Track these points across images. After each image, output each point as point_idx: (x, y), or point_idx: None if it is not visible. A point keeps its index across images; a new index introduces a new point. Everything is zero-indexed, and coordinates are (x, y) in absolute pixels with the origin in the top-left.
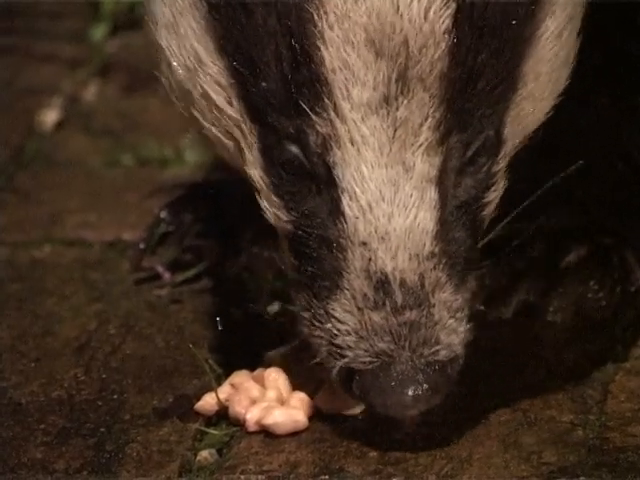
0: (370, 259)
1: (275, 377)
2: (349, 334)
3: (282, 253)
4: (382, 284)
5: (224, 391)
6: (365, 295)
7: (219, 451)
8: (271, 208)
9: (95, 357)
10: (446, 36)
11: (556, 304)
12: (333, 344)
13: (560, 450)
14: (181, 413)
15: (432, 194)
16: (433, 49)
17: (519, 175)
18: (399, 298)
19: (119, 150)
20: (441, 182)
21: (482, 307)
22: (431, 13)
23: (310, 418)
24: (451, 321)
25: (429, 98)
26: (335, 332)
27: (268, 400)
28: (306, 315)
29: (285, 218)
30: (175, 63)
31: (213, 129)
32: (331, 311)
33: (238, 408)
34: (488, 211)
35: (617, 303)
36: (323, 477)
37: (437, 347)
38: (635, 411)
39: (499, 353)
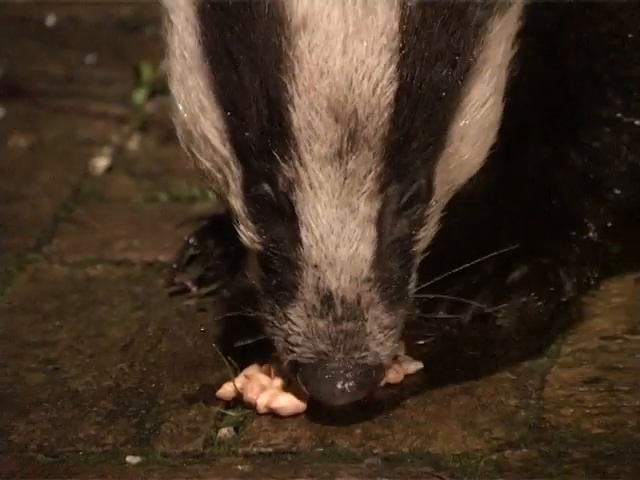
0: (319, 278)
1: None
2: (299, 335)
3: (252, 268)
4: (327, 299)
5: (239, 381)
6: (314, 306)
7: (236, 429)
8: (247, 232)
9: (137, 354)
10: (388, 108)
11: (504, 311)
12: (286, 341)
13: (507, 428)
14: (205, 398)
15: (372, 231)
16: (377, 117)
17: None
18: (339, 311)
19: (156, 189)
20: (380, 222)
21: (445, 314)
22: (377, 90)
23: (308, 402)
24: (380, 335)
25: (373, 155)
26: (289, 332)
27: (275, 388)
28: (269, 318)
29: (257, 241)
30: (182, 109)
31: (207, 164)
32: (287, 315)
33: (251, 394)
34: (420, 247)
35: (552, 311)
36: (318, 449)
37: (365, 353)
38: (567, 397)
39: (459, 350)
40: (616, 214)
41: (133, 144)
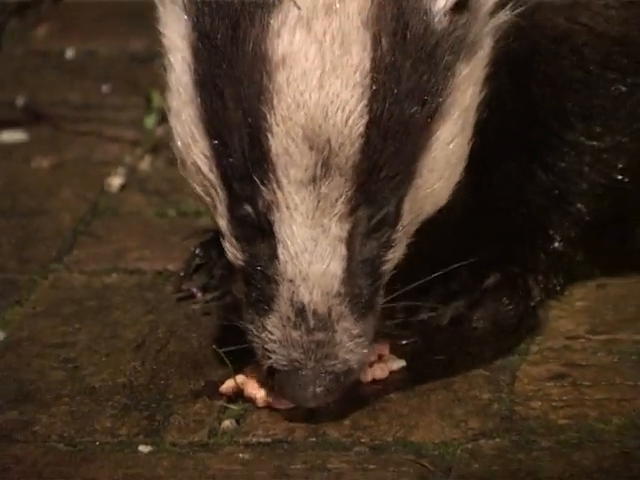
0: (294, 292)
1: None
2: (274, 343)
3: (237, 282)
4: (300, 311)
5: (240, 377)
6: (288, 317)
7: (237, 421)
8: (231, 249)
9: (148, 353)
10: (359, 138)
11: (479, 314)
12: (264, 348)
13: (481, 419)
14: (209, 393)
15: (342, 250)
16: (349, 147)
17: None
18: (311, 322)
19: (166, 205)
20: (349, 242)
21: (426, 317)
22: (350, 121)
23: None
24: (350, 344)
25: (344, 181)
26: (266, 340)
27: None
28: (250, 327)
29: (240, 257)
30: (178, 139)
31: (198, 188)
32: (265, 325)
33: (250, 390)
34: (388, 266)
35: (521, 313)
36: (311, 439)
37: (335, 361)
38: (535, 391)
39: (438, 349)
40: (579, 226)
41: (144, 165)
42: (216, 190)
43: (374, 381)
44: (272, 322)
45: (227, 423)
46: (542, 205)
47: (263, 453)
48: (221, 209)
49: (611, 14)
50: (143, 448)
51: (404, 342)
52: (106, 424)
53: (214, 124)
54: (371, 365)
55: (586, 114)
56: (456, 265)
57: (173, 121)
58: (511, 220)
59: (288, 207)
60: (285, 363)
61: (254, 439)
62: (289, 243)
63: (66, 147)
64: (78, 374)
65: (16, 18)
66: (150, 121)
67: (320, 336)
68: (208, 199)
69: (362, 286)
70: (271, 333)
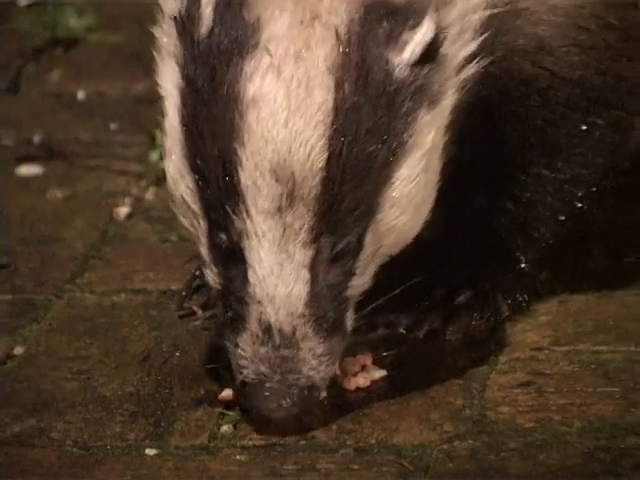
0: (262, 312)
1: None
2: (245, 359)
3: (217, 302)
4: (267, 330)
5: (236, 387)
6: (257, 335)
7: (234, 426)
8: (210, 274)
9: (153, 366)
10: (320, 172)
11: (452, 328)
12: (237, 363)
13: (455, 423)
14: (209, 401)
15: (305, 275)
16: (311, 180)
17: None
18: (277, 340)
19: (169, 232)
20: (313, 268)
21: (404, 331)
22: (311, 156)
23: None
24: (314, 361)
25: (307, 211)
26: (239, 356)
27: None
28: (227, 343)
29: (217, 281)
30: (169, 177)
31: (185, 220)
32: (238, 342)
33: None
34: (354, 292)
35: (491, 327)
36: (302, 442)
37: (298, 376)
38: (503, 397)
39: (415, 360)
40: (543, 248)
41: (149, 195)
42: (198, 221)
43: (358, 389)
44: (243, 339)
45: (225, 428)
46: (510, 230)
47: (258, 455)
48: (202, 238)
49: (572, 59)
50: (149, 451)
51: (385, 354)
52: (116, 430)
53: (196, 160)
54: (355, 374)
55: (549, 150)
56: (432, 283)
57: (166, 160)
58: (482, 243)
59: (257, 235)
60: (254, 376)
61: (250, 442)
62: (257, 268)
63: (78, 180)
64: (90, 384)
65: (32, 63)
66: (154, 156)
67: (285, 352)
68: (193, 229)
69: (326, 309)
70: (243, 349)
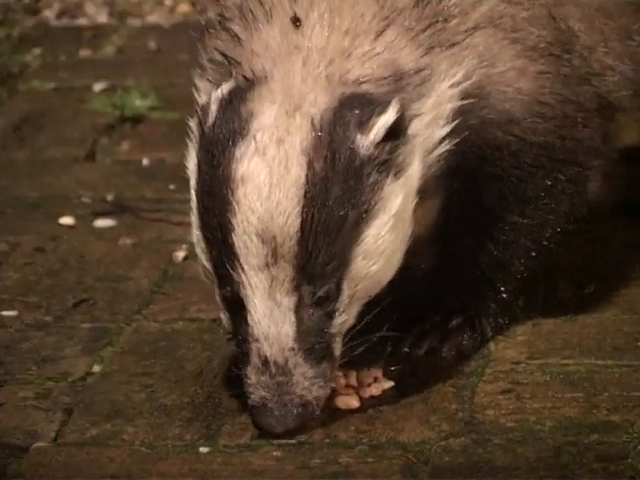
0: (259, 348)
1: None
2: (250, 385)
3: (231, 340)
4: (265, 362)
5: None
6: (258, 367)
7: None
8: (223, 318)
9: (206, 379)
10: (296, 234)
11: (447, 347)
12: (247, 390)
13: (449, 424)
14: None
15: (292, 317)
16: (289, 240)
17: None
18: (273, 370)
19: None
20: (297, 311)
21: (408, 349)
22: (288, 222)
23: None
24: (306, 383)
25: (288, 266)
26: (246, 383)
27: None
28: (241, 372)
29: (228, 323)
30: (193, 240)
31: (204, 275)
32: (246, 372)
33: None
34: (338, 329)
35: (478, 346)
36: (326, 440)
37: (292, 396)
38: (489, 402)
39: (417, 374)
40: (518, 280)
41: None
42: (211, 275)
43: (371, 397)
44: (248, 370)
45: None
46: (491, 266)
47: (290, 451)
48: (215, 289)
49: (537, 128)
50: (202, 449)
51: (393, 368)
52: (175, 432)
53: (205, 228)
54: (369, 385)
55: (521, 201)
56: (430, 310)
57: (193, 228)
58: (469, 277)
59: (250, 286)
60: (257, 400)
61: (284, 441)
62: (254, 312)
63: (144, 230)
64: (154, 396)
65: (105, 137)
66: None
67: (280, 379)
68: (209, 283)
69: (313, 342)
70: (249, 378)
